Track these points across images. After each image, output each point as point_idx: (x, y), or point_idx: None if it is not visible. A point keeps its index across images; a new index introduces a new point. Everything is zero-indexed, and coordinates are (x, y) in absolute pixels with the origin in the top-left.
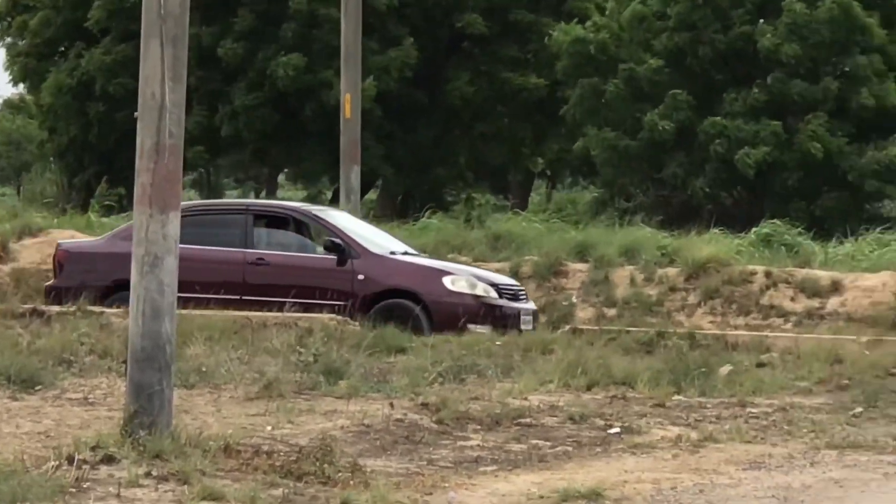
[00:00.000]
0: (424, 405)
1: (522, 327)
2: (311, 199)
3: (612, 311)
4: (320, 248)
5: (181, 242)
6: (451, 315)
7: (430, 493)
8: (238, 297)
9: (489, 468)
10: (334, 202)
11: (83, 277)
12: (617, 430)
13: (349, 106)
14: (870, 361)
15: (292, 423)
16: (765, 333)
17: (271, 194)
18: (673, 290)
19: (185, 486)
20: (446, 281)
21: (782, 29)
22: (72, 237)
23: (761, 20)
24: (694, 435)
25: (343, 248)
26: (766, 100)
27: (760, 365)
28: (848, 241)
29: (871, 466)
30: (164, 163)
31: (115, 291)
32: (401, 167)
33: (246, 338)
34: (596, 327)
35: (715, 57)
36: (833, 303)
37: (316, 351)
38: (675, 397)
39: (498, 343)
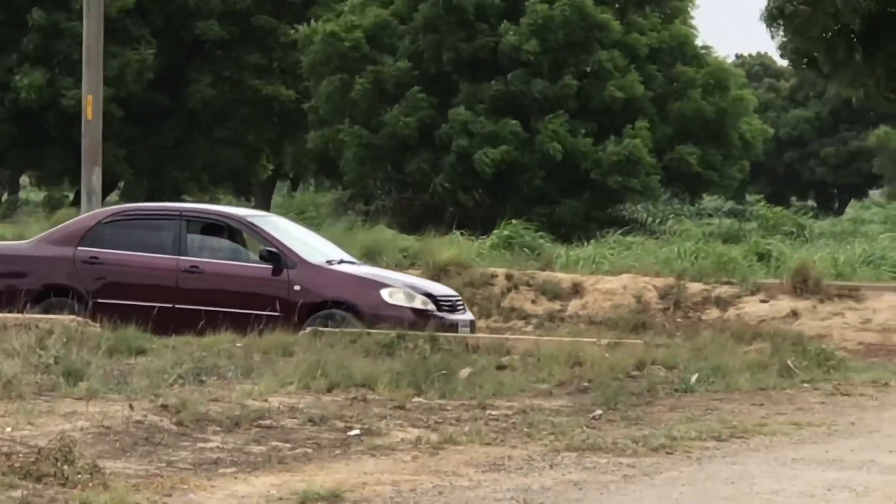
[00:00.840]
0: (164, 407)
1: None
2: (50, 201)
3: None
4: (255, 256)
5: (112, 247)
6: (389, 327)
7: (170, 495)
8: (171, 306)
9: (229, 470)
10: (76, 204)
11: (11, 281)
12: (357, 432)
13: (90, 108)
14: (610, 364)
15: (32, 424)
16: (505, 336)
17: (13, 195)
18: None
19: None
20: (384, 293)
21: (524, 29)
22: None
23: (505, 20)
24: (434, 437)
25: (279, 258)
26: (506, 98)
27: (501, 367)
28: (589, 244)
29: (610, 469)
30: None
31: (46, 296)
32: (142, 169)
33: None
34: (337, 329)
35: (459, 59)
36: (574, 305)
37: (56, 352)
38: (416, 399)
39: (238, 345)
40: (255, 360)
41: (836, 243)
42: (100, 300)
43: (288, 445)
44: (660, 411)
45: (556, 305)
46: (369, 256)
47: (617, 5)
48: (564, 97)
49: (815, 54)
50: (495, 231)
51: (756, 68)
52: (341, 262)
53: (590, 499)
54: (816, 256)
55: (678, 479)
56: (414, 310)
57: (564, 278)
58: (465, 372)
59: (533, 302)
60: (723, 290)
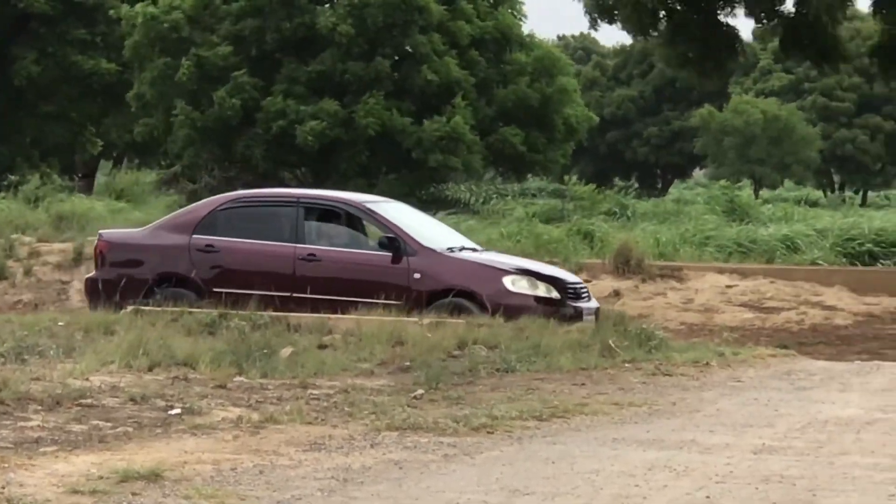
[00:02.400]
0: None
1: None
2: None
3: None
4: (374, 243)
5: (227, 235)
6: (511, 316)
7: None
8: (288, 295)
9: (49, 449)
10: None
11: (125, 270)
12: (178, 411)
13: None
14: (431, 343)
15: None
16: (327, 315)
17: None
18: None
19: None
20: (506, 281)
21: (341, 10)
22: None
23: (326, 5)
24: (255, 416)
25: (398, 245)
26: (324, 78)
27: (322, 346)
28: None
29: (430, 448)
30: None
31: (159, 285)
32: None
33: None
34: (158, 308)
35: (282, 39)
36: None
37: None
38: (237, 378)
39: (60, 323)
40: (77, 338)
41: (659, 223)
42: (215, 289)
43: (109, 424)
44: (481, 391)
45: None
46: None
47: None
48: (379, 79)
49: (616, 12)
50: None
51: (579, 52)
52: (462, 249)
53: (410, 478)
54: (639, 236)
55: (499, 458)
56: (537, 297)
57: None
58: (286, 351)
59: None
60: None
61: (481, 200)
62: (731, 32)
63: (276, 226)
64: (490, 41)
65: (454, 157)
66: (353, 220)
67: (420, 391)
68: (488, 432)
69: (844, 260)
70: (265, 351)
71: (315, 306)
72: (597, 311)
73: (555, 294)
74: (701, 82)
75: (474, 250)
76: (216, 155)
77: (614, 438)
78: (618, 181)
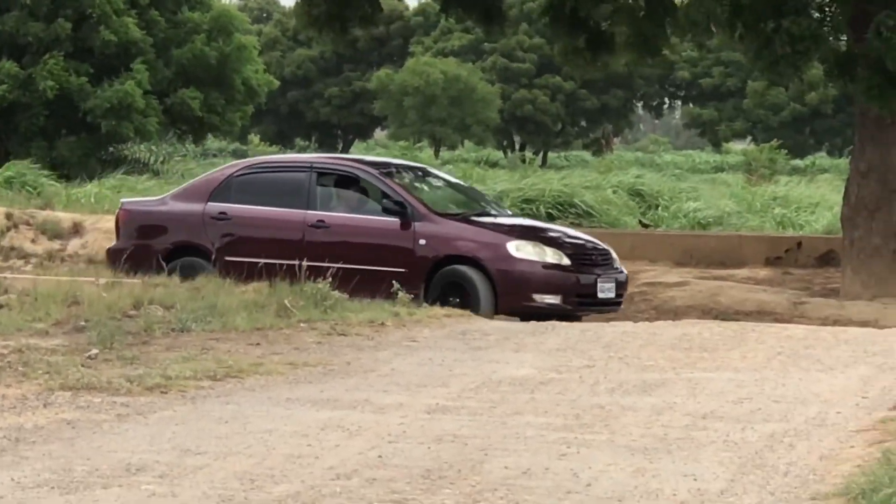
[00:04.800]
0: None
1: (600, 296)
2: None
3: None
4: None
5: (240, 202)
6: (516, 284)
7: None
8: (297, 262)
9: None
10: None
11: (142, 239)
12: None
13: None
14: (107, 303)
15: None
16: (3, 275)
17: None
18: None
19: None
20: (510, 246)
21: None
22: None
23: None
24: None
25: (405, 210)
26: (3, 40)
27: None
28: (91, 183)
29: (104, 408)
30: None
31: (177, 255)
32: None
33: None
34: None
35: None
36: (74, 244)
37: None
38: None
39: None
40: None
41: None
42: (227, 258)
43: None
44: (156, 351)
45: (57, 245)
46: None
47: None
48: (59, 39)
49: None
50: None
51: (255, 13)
52: (482, 213)
53: (83, 438)
54: None
55: (172, 418)
56: (546, 264)
57: (65, 218)
58: None
59: (33, 241)
60: None
61: (161, 160)
62: None
63: (288, 192)
64: (168, 0)
65: (127, 122)
66: (365, 185)
67: (94, 351)
68: (162, 392)
69: None
70: None
71: (324, 274)
72: (618, 281)
73: (566, 261)
74: (338, 45)
75: (497, 216)
76: None
77: (288, 398)
78: (299, 141)
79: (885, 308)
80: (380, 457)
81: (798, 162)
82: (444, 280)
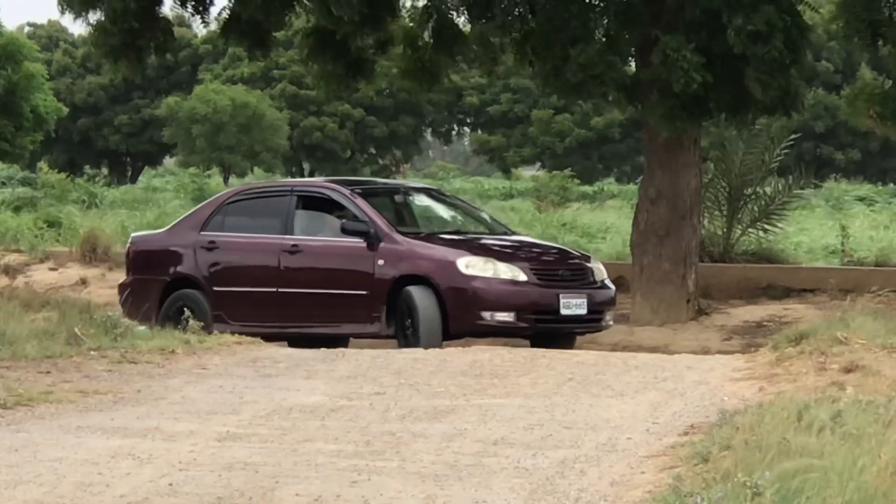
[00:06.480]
0: None
1: (564, 312)
2: None
3: None
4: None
5: (228, 231)
6: (465, 302)
7: None
8: (274, 290)
9: None
10: None
11: (144, 273)
12: None
13: None
14: None
15: None
16: None
17: None
18: None
19: None
20: (460, 263)
21: None
22: None
23: None
24: None
25: (367, 231)
26: None
27: None
28: None
29: None
30: None
31: (173, 288)
32: None
33: None
34: None
35: None
36: None
37: None
38: None
39: None
40: None
41: (128, 211)
42: (215, 288)
43: None
44: None
45: None
46: None
47: None
48: None
49: None
50: None
51: (44, 40)
52: (459, 231)
53: None
54: (107, 225)
55: None
56: (498, 280)
57: None
58: None
59: None
60: (11, 258)
61: None
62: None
63: (270, 217)
64: None
65: None
66: (338, 206)
67: None
68: None
69: None
70: None
71: (298, 303)
72: (600, 296)
73: (522, 276)
74: (134, 74)
75: (482, 236)
76: None
77: (78, 426)
78: (88, 169)
79: (674, 333)
80: (170, 485)
81: (587, 188)
82: (404, 302)
